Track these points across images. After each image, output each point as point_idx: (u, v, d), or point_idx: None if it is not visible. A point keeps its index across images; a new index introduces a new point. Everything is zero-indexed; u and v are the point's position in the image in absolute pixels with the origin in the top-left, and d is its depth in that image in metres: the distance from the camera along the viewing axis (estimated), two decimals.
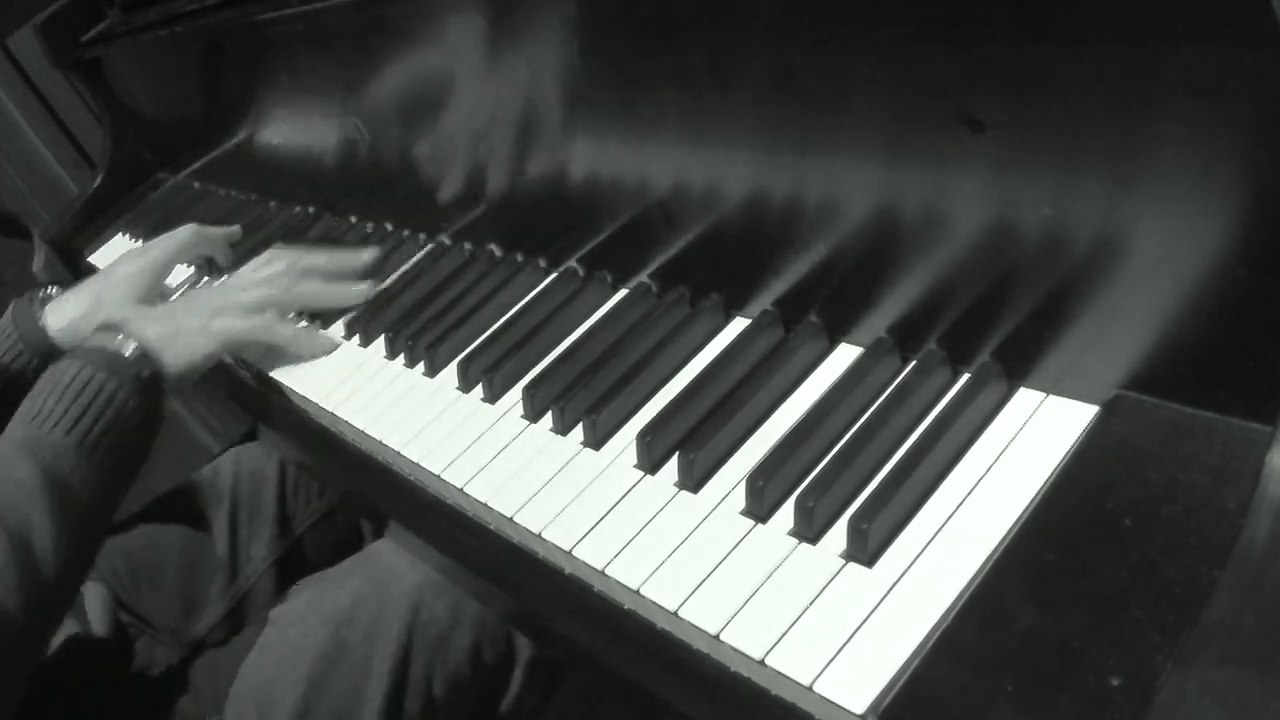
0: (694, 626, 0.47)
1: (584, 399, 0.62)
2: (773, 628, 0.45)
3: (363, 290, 0.86)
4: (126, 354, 0.74)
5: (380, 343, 0.79)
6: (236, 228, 1.09)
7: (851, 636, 0.43)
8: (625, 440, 0.59)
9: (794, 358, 0.58)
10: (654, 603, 0.49)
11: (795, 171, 0.57)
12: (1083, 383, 0.47)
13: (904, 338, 0.55)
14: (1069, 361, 0.48)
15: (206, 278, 1.05)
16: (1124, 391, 0.46)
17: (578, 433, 0.61)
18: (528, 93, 0.72)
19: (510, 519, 0.57)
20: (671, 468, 0.55)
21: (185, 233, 1.02)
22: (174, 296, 0.87)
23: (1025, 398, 0.50)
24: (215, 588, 0.92)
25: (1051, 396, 0.49)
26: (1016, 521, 0.44)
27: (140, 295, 0.95)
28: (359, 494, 0.75)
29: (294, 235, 1.03)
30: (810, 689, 0.42)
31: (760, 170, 0.59)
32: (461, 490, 0.61)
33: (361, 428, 0.71)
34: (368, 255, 0.89)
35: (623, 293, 0.72)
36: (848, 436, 0.52)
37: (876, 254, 0.54)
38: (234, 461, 0.98)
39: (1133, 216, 0.43)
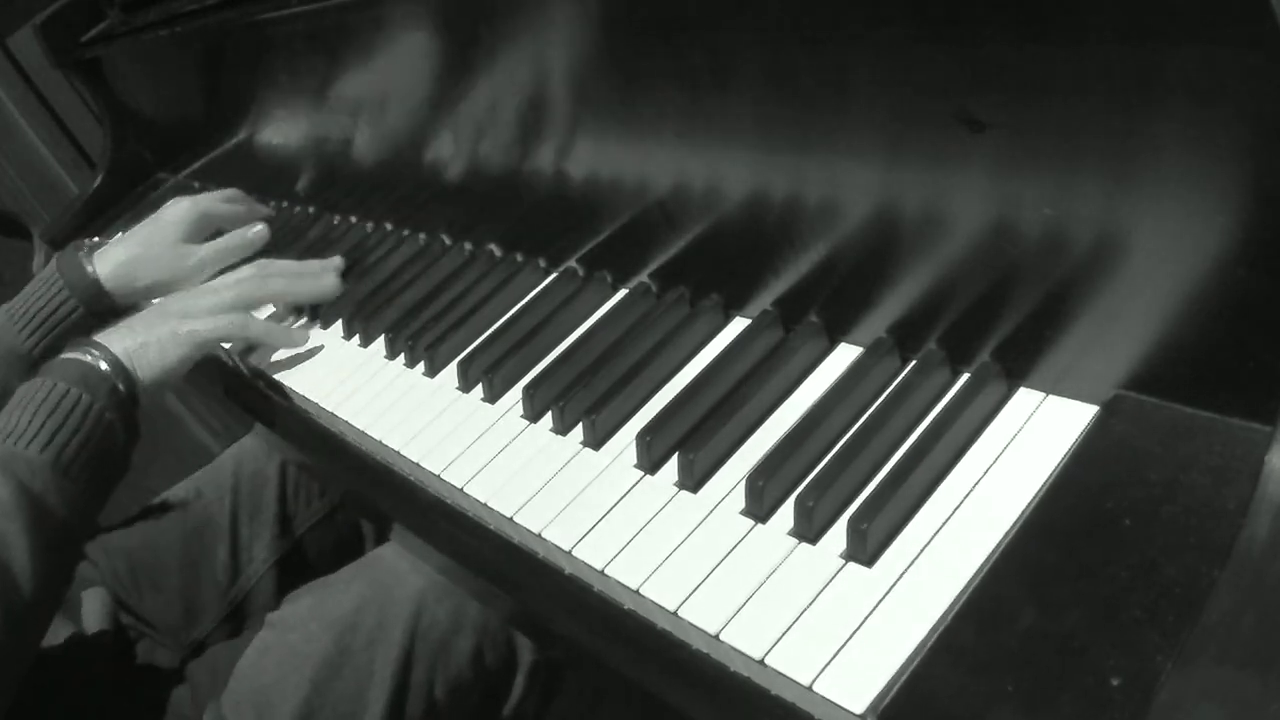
0: (694, 626, 0.47)
1: (584, 399, 0.62)
2: (772, 628, 0.45)
3: (331, 283, 0.87)
4: (100, 367, 0.74)
5: (380, 343, 0.79)
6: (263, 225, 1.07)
7: (851, 636, 0.43)
8: (625, 440, 0.59)
9: (794, 358, 0.58)
10: (654, 602, 0.49)
11: (795, 171, 0.57)
12: (1082, 383, 0.47)
13: (904, 338, 0.55)
14: (1069, 361, 0.48)
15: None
16: (1124, 391, 0.46)
17: (578, 433, 0.61)
18: (528, 92, 0.72)
19: (510, 519, 0.57)
20: (671, 468, 0.55)
21: (235, 192, 1.04)
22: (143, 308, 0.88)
23: (1025, 398, 0.50)
24: (216, 589, 0.92)
25: (1051, 396, 0.49)
26: (1016, 521, 0.44)
27: (188, 236, 0.98)
28: (359, 494, 0.75)
29: (294, 235, 1.03)
30: (810, 689, 0.42)
31: (760, 170, 0.59)
32: (461, 490, 0.61)
33: (362, 428, 0.71)
34: (337, 260, 0.90)
35: (623, 293, 0.72)
36: (847, 436, 0.52)
37: (876, 254, 0.54)
38: (234, 462, 0.98)
39: (1133, 217, 0.43)
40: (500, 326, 0.73)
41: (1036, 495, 0.45)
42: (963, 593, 0.43)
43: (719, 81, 0.58)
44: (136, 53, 1.27)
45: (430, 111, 0.82)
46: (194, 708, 0.75)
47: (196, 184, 1.33)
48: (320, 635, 0.72)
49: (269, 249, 1.00)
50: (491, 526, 0.58)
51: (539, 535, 0.56)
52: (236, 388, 0.87)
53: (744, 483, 0.51)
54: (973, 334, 0.51)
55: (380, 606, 0.73)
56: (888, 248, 0.53)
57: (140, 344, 0.77)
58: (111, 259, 0.95)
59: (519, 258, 0.79)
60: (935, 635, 0.41)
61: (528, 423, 0.64)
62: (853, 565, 0.46)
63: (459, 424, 0.66)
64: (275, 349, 0.85)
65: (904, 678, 0.41)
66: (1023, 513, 0.45)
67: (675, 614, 0.48)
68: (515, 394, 0.66)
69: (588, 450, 0.60)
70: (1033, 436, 0.48)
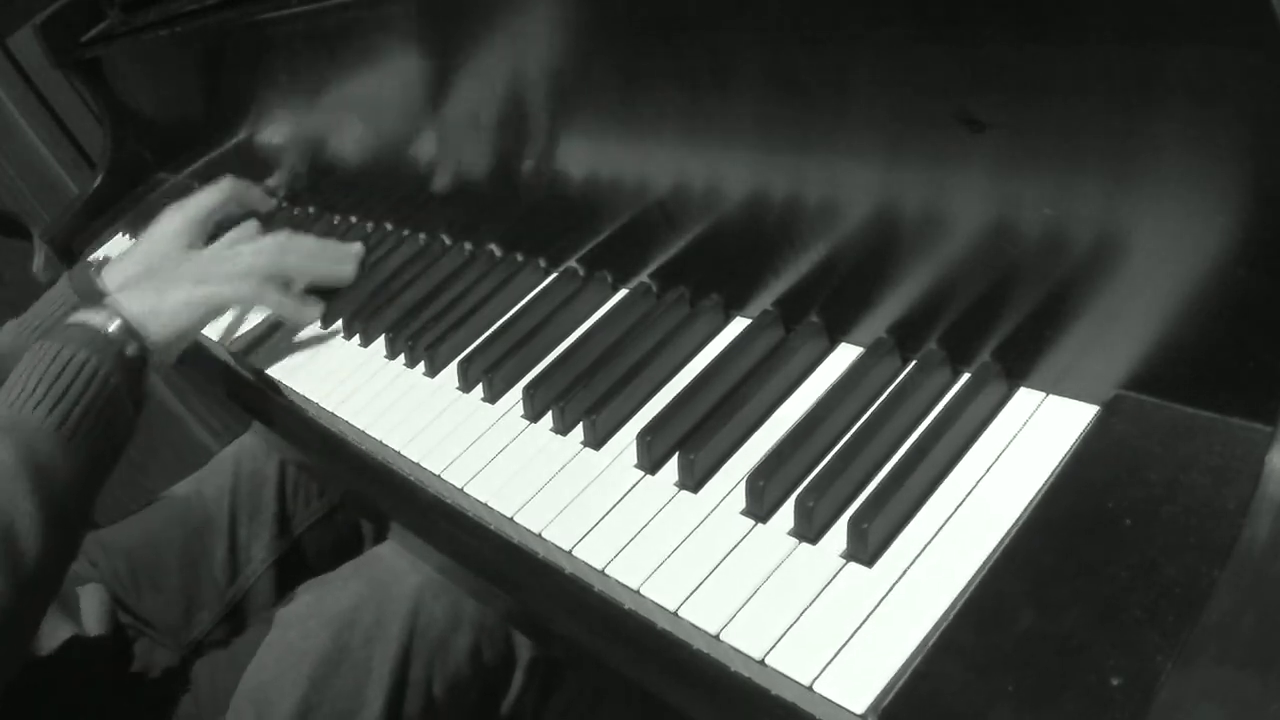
0: (694, 626, 0.47)
1: (584, 399, 0.62)
2: (773, 628, 0.45)
3: (350, 270, 0.87)
4: (109, 331, 0.73)
5: (380, 343, 0.79)
6: (271, 200, 1.08)
7: (852, 636, 0.43)
8: (625, 440, 0.59)
9: (794, 358, 0.58)
10: (654, 602, 0.49)
11: (795, 171, 0.57)
12: (1083, 383, 0.47)
13: (904, 338, 0.55)
14: (1069, 361, 0.48)
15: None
16: (1124, 391, 0.46)
17: (578, 433, 0.61)
18: (528, 92, 0.72)
19: (510, 519, 0.57)
20: (671, 468, 0.55)
21: (225, 181, 1.01)
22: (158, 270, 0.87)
23: (1025, 398, 0.50)
24: (214, 588, 0.92)
25: (1051, 396, 0.49)
26: (1017, 521, 0.44)
27: (189, 243, 0.95)
28: (359, 494, 0.75)
29: None
30: (810, 689, 0.42)
31: (760, 170, 0.59)
32: (462, 490, 0.61)
33: (362, 428, 0.71)
34: (357, 246, 0.89)
35: (623, 293, 0.72)
36: (848, 436, 0.52)
37: (876, 254, 0.54)
38: (233, 461, 0.98)
39: (1133, 217, 0.43)
40: (500, 326, 0.73)
41: (1037, 495, 0.45)
42: (963, 593, 0.43)
43: (719, 81, 0.58)
44: (136, 53, 1.27)
45: (430, 111, 0.82)
46: (193, 706, 0.75)
47: (196, 184, 1.33)
48: (318, 632, 0.73)
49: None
50: (492, 526, 0.58)
51: (539, 535, 0.56)
52: (236, 388, 0.87)
53: (744, 483, 0.51)
54: (973, 334, 0.51)
55: (378, 604, 0.73)
56: (888, 248, 0.53)
57: (152, 306, 0.77)
58: (119, 274, 0.93)
59: (519, 258, 0.79)
60: (936, 635, 0.41)
61: (528, 423, 0.64)
62: (853, 565, 0.46)
63: (459, 424, 0.66)
64: (286, 319, 0.85)
65: (905, 677, 0.41)
66: (1023, 512, 0.45)
67: (675, 614, 0.48)
68: (515, 394, 0.66)
69: (588, 450, 0.60)
70: (1033, 436, 0.48)
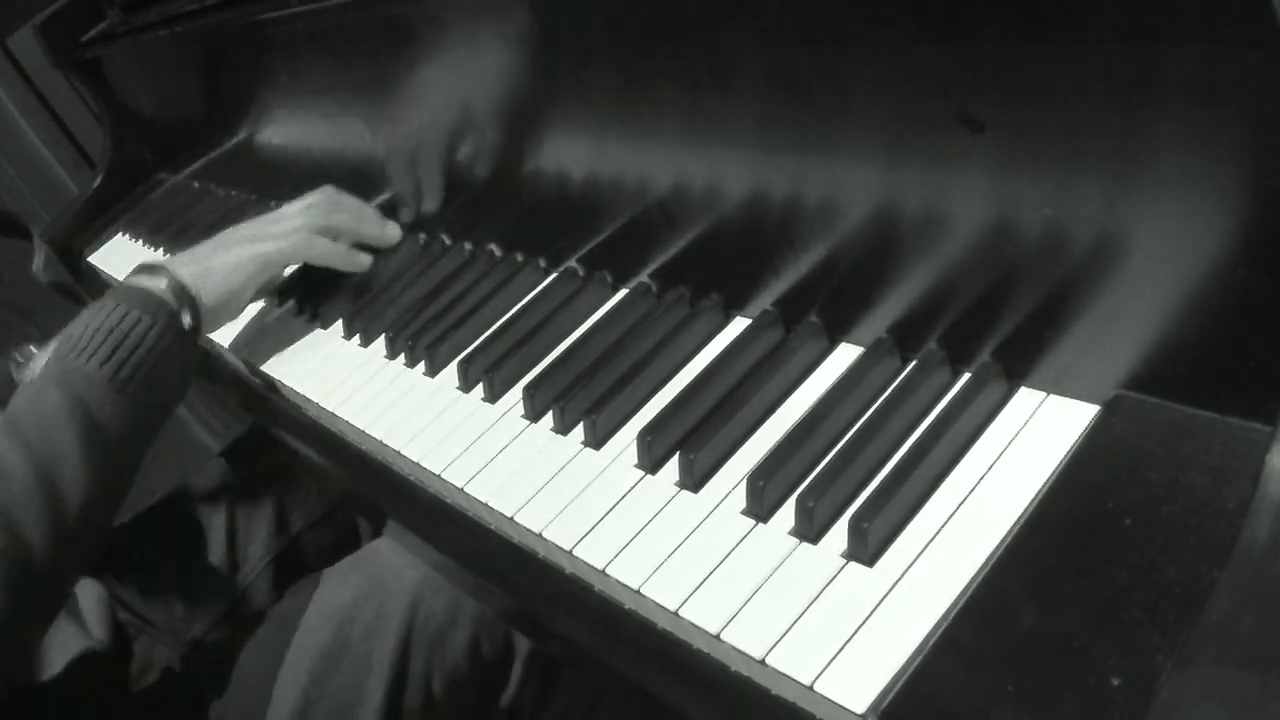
0: (695, 626, 0.47)
1: (584, 399, 0.62)
2: (773, 627, 0.45)
3: (395, 231, 0.89)
4: (161, 291, 0.75)
5: (380, 343, 0.79)
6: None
7: (852, 636, 0.43)
8: (625, 440, 0.59)
9: (794, 358, 0.58)
10: (655, 602, 0.49)
11: (795, 171, 0.57)
12: (1083, 382, 0.47)
13: (904, 337, 0.55)
14: (1069, 361, 0.48)
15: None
16: (1124, 391, 0.46)
17: (578, 432, 0.61)
18: (527, 92, 0.72)
19: (511, 519, 0.57)
20: (672, 467, 0.55)
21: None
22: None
23: (1025, 397, 0.50)
24: (214, 586, 0.92)
25: (1052, 396, 0.49)
26: (1017, 521, 0.44)
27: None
28: (358, 493, 0.75)
29: None
30: (811, 689, 0.42)
31: (760, 170, 0.59)
32: (462, 490, 0.61)
33: (362, 427, 0.71)
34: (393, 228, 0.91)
35: (623, 293, 0.72)
36: (848, 436, 0.52)
37: (876, 254, 0.54)
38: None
39: (1133, 217, 0.43)
40: (500, 326, 0.73)
41: (1037, 495, 0.45)
42: (963, 593, 0.43)
43: (719, 81, 0.58)
44: (136, 53, 1.27)
45: (430, 112, 0.82)
46: (193, 705, 0.75)
47: (196, 184, 1.33)
48: (318, 628, 0.73)
49: None
50: (492, 526, 0.58)
51: (539, 535, 0.56)
52: (237, 387, 0.87)
53: (745, 482, 0.51)
54: (973, 334, 0.51)
55: (378, 599, 0.73)
56: (888, 248, 0.53)
57: (204, 269, 0.79)
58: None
59: (519, 258, 0.79)
60: (936, 635, 0.41)
61: (528, 422, 0.64)
62: (854, 565, 0.46)
63: (459, 424, 0.66)
64: (338, 267, 0.86)
65: (905, 677, 0.41)
66: (1023, 512, 0.45)
67: (676, 614, 0.48)
68: (516, 394, 0.66)
69: (588, 450, 0.60)
70: (1033, 436, 0.48)
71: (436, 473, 0.63)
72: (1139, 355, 0.45)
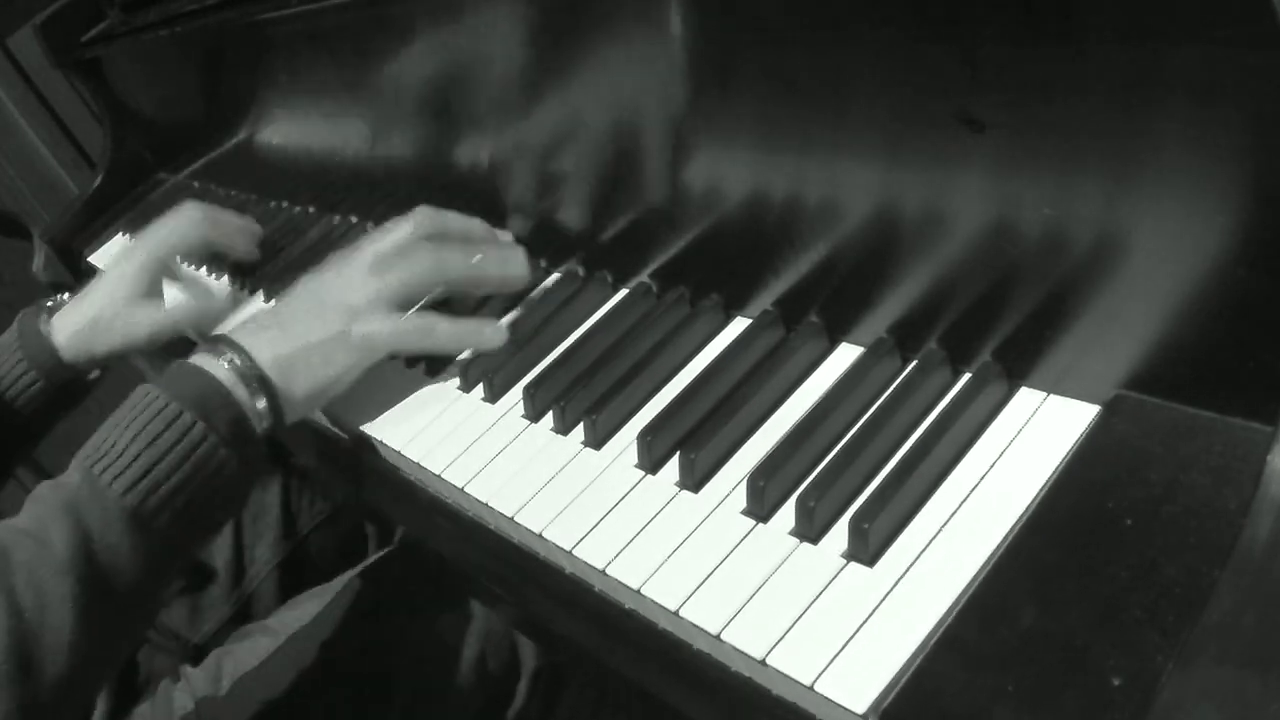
0: (695, 626, 0.47)
1: (584, 399, 0.62)
2: (774, 627, 0.45)
3: (521, 269, 0.67)
4: (225, 387, 0.58)
5: None
6: (256, 226, 0.94)
7: (853, 636, 0.43)
8: (626, 440, 0.59)
9: (794, 357, 0.58)
10: (655, 602, 0.49)
11: (795, 171, 0.57)
12: (1083, 382, 0.47)
13: (904, 337, 0.55)
14: (1070, 361, 0.48)
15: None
16: (1125, 391, 0.46)
17: (578, 432, 0.61)
18: (525, 93, 0.72)
19: (511, 519, 0.57)
20: (672, 467, 0.55)
21: (185, 220, 0.85)
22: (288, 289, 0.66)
23: (1026, 397, 0.50)
24: (220, 591, 0.92)
25: (1052, 396, 0.49)
26: (1017, 521, 0.44)
27: (143, 291, 0.84)
28: (360, 496, 0.75)
29: (293, 235, 1.03)
30: (811, 688, 0.42)
31: (760, 170, 0.59)
32: (462, 490, 0.61)
33: (362, 427, 0.71)
34: (508, 233, 0.72)
35: (623, 293, 0.72)
36: (848, 436, 0.52)
37: (877, 254, 0.54)
38: None
39: (1133, 217, 0.43)
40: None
41: (1038, 495, 0.45)
42: (964, 592, 0.43)
43: (719, 81, 0.58)
44: (136, 53, 1.27)
45: (430, 112, 0.82)
46: (195, 714, 0.76)
47: (196, 184, 1.33)
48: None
49: (262, 260, 0.97)
50: (492, 526, 0.58)
51: (540, 535, 0.56)
52: None
53: (745, 482, 0.51)
54: (973, 334, 0.51)
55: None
56: (888, 248, 0.53)
57: (293, 353, 0.60)
58: (66, 326, 0.81)
59: None
60: (937, 634, 0.42)
61: (528, 422, 0.64)
62: (854, 565, 0.46)
63: (459, 424, 0.66)
64: (469, 348, 0.67)
65: (906, 677, 0.41)
66: (1024, 512, 0.45)
67: (676, 614, 0.48)
68: (516, 394, 0.66)
69: (588, 450, 0.60)
70: (1034, 436, 0.48)
71: (436, 473, 0.63)
72: (1139, 355, 0.45)
